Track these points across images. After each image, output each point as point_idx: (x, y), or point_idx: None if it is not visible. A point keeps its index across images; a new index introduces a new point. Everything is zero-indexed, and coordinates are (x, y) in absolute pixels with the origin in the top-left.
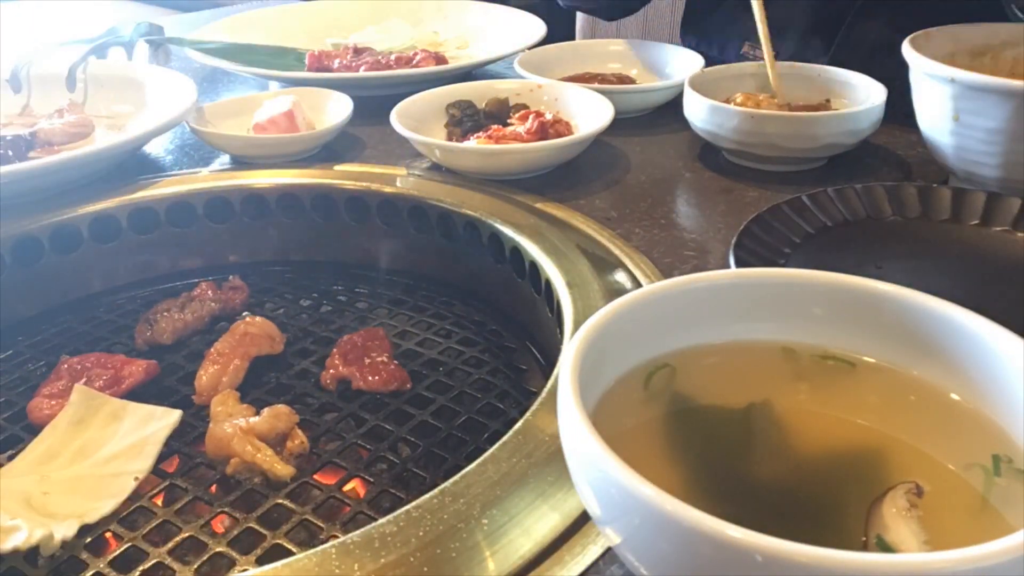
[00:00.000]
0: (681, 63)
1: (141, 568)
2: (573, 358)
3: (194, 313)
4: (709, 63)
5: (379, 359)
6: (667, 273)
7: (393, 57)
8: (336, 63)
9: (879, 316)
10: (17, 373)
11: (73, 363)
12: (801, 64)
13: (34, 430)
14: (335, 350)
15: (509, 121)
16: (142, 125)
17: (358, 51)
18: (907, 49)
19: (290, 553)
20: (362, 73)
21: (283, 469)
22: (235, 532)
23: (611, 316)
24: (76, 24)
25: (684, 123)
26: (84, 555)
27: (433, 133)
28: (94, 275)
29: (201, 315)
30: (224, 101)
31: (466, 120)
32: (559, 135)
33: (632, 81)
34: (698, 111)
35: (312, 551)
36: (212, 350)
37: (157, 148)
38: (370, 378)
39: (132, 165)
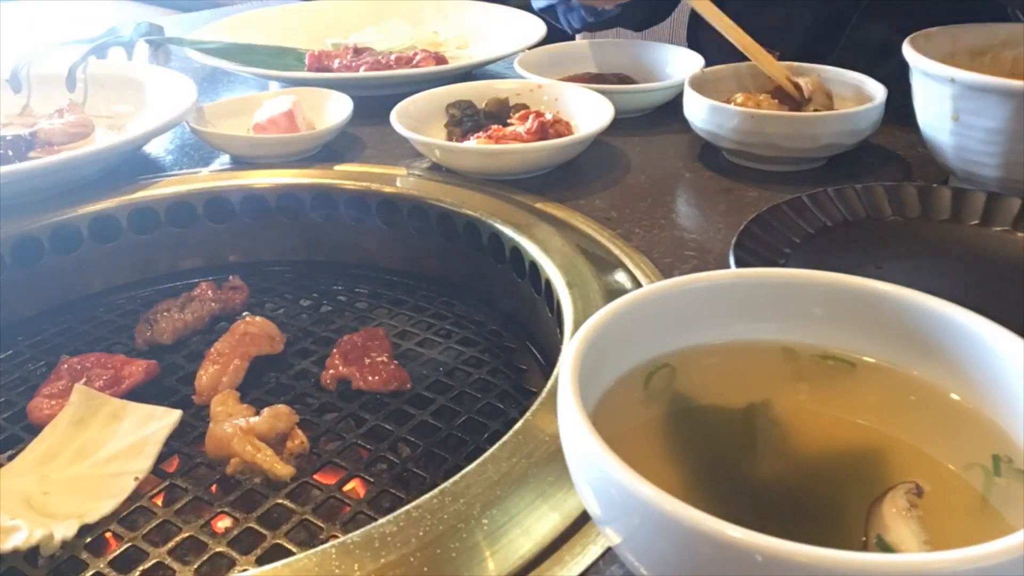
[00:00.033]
0: (681, 63)
1: (141, 568)
2: (573, 358)
3: (194, 313)
4: None
5: (379, 359)
6: (667, 273)
7: (393, 57)
8: (336, 63)
9: (879, 316)
10: (17, 373)
11: (73, 363)
12: (800, 64)
13: (34, 430)
14: (335, 350)
15: (509, 121)
16: (142, 125)
17: (358, 51)
18: (907, 49)
19: (290, 553)
20: (362, 73)
21: (283, 469)
22: (235, 532)
23: (611, 316)
24: (76, 24)
25: (684, 123)
26: (84, 555)
27: (433, 133)
28: (94, 275)
29: (201, 315)
30: (224, 101)
31: (466, 120)
32: (559, 135)
33: (632, 81)
34: (698, 111)
35: (312, 551)
36: (212, 350)
37: (157, 148)
38: (370, 378)
39: (132, 165)
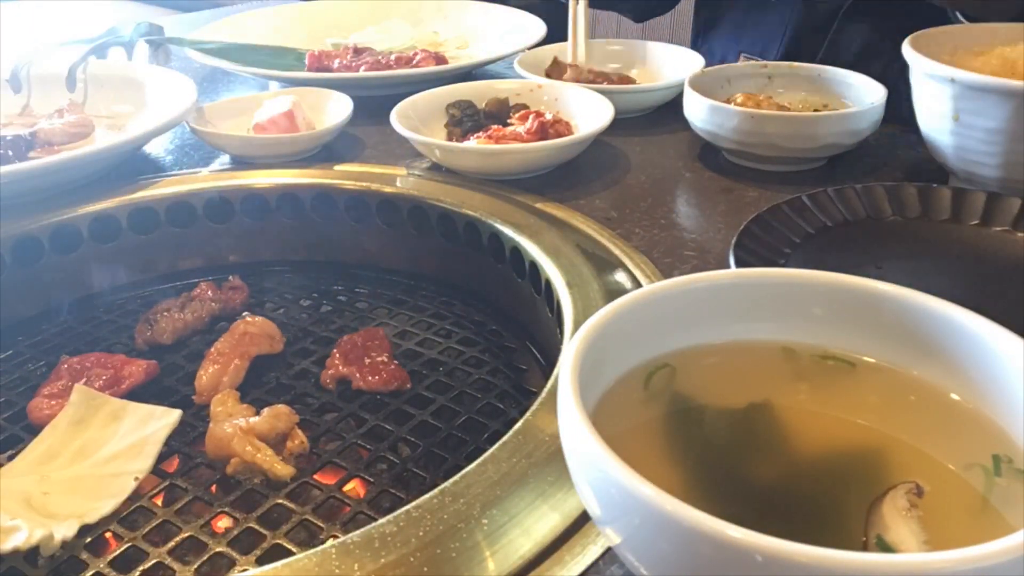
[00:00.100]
0: (681, 63)
1: (141, 568)
2: (573, 358)
3: (194, 313)
4: None
5: (379, 359)
6: (667, 273)
7: (393, 57)
8: (336, 63)
9: (879, 316)
10: (17, 373)
11: (73, 363)
12: (800, 64)
13: (34, 430)
14: (335, 350)
15: (509, 121)
16: (142, 125)
17: (358, 51)
18: (907, 49)
19: (290, 553)
20: (362, 73)
21: (283, 469)
22: (235, 532)
23: (611, 316)
24: (76, 24)
25: (684, 123)
26: (84, 555)
27: (433, 133)
28: (94, 275)
29: (201, 315)
30: (224, 101)
31: (466, 120)
32: (559, 135)
33: (632, 81)
34: (698, 111)
35: (312, 551)
36: (212, 350)
37: (157, 148)
38: (370, 378)
39: (132, 165)
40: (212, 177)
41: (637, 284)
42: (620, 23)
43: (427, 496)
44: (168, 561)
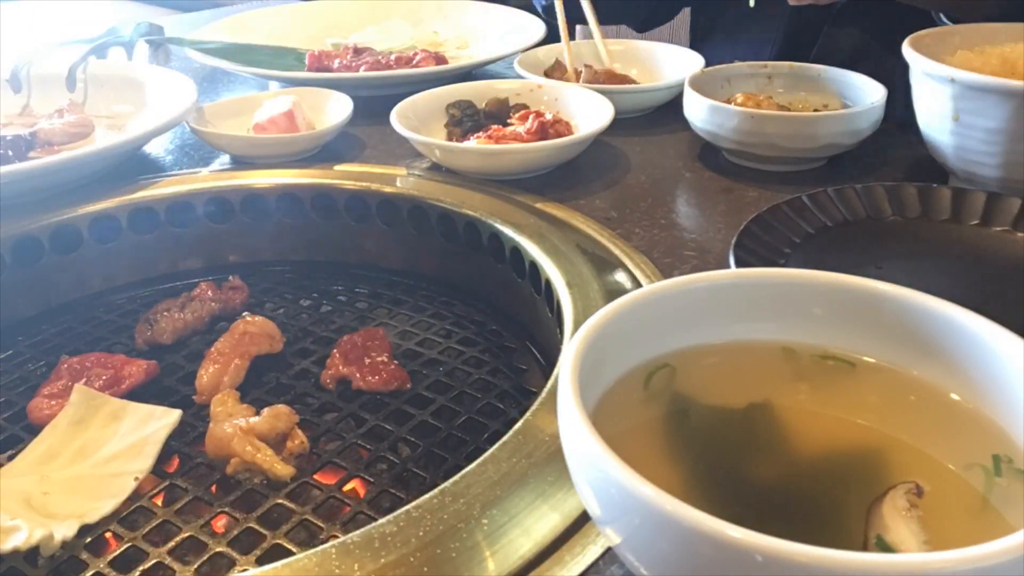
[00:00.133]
0: (681, 63)
1: (141, 568)
2: (573, 358)
3: (194, 313)
4: None
5: (379, 359)
6: (667, 273)
7: (393, 57)
8: (336, 63)
9: (879, 316)
10: (17, 373)
11: (73, 363)
12: (800, 64)
13: (34, 430)
14: (335, 350)
15: (509, 121)
16: (142, 125)
17: (358, 51)
18: (907, 49)
19: (290, 553)
20: (362, 73)
21: (283, 469)
22: (235, 532)
23: (611, 316)
24: (76, 24)
25: (684, 123)
26: (84, 555)
27: (433, 133)
28: (94, 275)
29: (201, 315)
30: (224, 101)
31: (466, 120)
32: (559, 135)
33: (632, 81)
34: (698, 111)
35: (312, 551)
36: (212, 350)
37: (157, 148)
38: (370, 378)
39: (132, 165)
40: (212, 177)
41: (637, 284)
42: (620, 25)
43: (427, 496)
44: (168, 561)
